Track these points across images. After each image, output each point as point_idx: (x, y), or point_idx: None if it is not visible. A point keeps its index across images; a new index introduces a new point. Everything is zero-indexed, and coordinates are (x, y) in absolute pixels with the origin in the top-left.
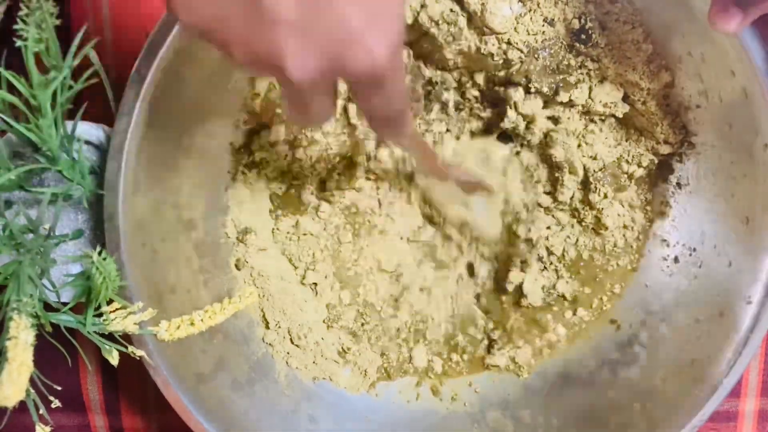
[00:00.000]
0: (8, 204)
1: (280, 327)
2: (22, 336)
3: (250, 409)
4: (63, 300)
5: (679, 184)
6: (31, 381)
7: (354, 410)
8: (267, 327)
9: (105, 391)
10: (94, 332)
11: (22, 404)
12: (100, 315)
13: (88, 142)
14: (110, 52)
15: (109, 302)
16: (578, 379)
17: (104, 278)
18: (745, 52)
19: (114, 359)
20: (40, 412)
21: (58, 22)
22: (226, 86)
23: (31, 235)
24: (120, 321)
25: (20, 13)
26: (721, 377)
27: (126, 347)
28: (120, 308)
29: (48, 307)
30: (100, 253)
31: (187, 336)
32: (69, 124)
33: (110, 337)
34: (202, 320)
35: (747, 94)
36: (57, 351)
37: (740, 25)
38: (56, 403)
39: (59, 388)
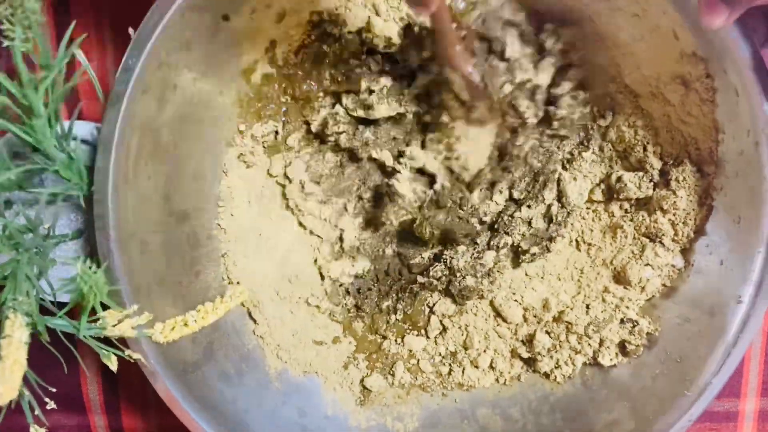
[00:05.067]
0: (8, 204)
1: (268, 320)
2: (17, 334)
3: (238, 400)
4: (62, 300)
5: (668, 182)
6: (27, 382)
7: (343, 405)
8: (255, 322)
9: (105, 391)
10: (91, 336)
11: (20, 405)
12: (97, 320)
13: (84, 141)
14: (110, 51)
15: (105, 307)
16: (568, 377)
17: (90, 287)
18: (734, 49)
19: (113, 365)
20: (36, 413)
21: (43, 19)
22: (219, 77)
23: (30, 235)
24: (116, 325)
25: (4, 11)
26: (711, 377)
27: (122, 350)
28: (116, 313)
29: (46, 311)
30: (85, 262)
31: (181, 337)
32: (67, 123)
33: (107, 339)
34: (195, 321)
35: (738, 92)
36: (57, 350)
37: (727, 20)
38: (51, 404)
39: (54, 390)
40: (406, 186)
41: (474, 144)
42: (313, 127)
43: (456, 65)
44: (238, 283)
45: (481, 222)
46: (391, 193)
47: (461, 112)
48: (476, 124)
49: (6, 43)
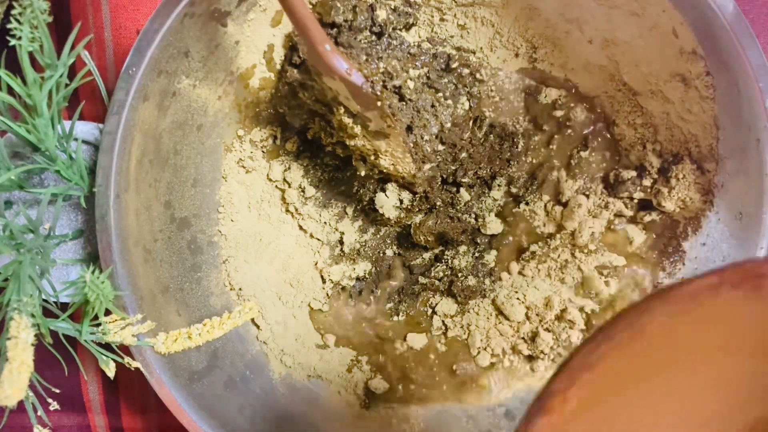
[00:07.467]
0: (8, 204)
1: (271, 326)
2: (23, 336)
3: (244, 407)
4: (62, 300)
5: (668, 180)
6: (30, 382)
7: (348, 408)
8: (258, 328)
9: (105, 391)
10: (92, 341)
11: (21, 405)
12: (99, 324)
13: (86, 142)
14: (111, 52)
15: (107, 312)
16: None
17: (98, 296)
18: (739, 48)
19: (110, 371)
20: (39, 413)
21: (50, 19)
22: (217, 83)
23: (31, 235)
24: (117, 332)
25: (13, 11)
26: None
27: (122, 357)
28: (118, 319)
29: (48, 312)
30: (93, 272)
31: (183, 349)
32: (68, 124)
33: (108, 344)
34: (200, 334)
35: (739, 89)
36: (57, 351)
37: None
38: (54, 405)
39: (58, 391)
40: (388, 201)
41: (392, 151)
42: (309, 134)
43: (330, 67)
44: (240, 289)
45: (477, 218)
46: (374, 209)
47: (359, 128)
48: (381, 138)
49: (12, 42)
